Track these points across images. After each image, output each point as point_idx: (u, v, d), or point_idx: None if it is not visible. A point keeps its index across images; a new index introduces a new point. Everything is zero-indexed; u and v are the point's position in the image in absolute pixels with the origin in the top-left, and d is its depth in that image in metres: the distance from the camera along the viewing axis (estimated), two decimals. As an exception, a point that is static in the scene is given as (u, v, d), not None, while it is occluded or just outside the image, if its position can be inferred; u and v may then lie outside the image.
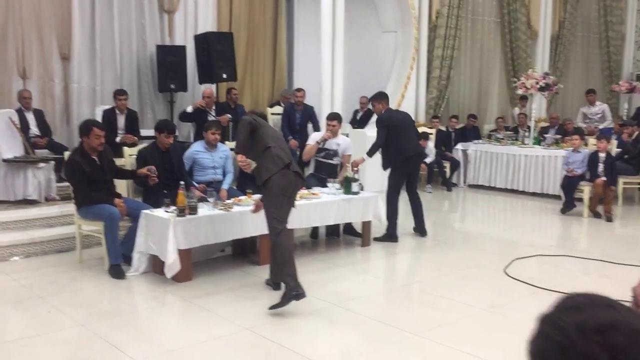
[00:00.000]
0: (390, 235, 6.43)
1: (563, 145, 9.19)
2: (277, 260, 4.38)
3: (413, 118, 9.96)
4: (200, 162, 6.18)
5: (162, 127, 5.79)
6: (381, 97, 6.62)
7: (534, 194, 9.41)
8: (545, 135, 9.87)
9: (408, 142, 6.47)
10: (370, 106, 7.43)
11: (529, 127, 10.11)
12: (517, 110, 11.74)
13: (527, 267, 5.57)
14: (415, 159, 6.62)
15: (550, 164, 9.18)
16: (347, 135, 9.03)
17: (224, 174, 6.29)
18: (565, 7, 12.83)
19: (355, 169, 6.32)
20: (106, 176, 5.34)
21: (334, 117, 6.70)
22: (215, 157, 6.23)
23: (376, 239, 6.39)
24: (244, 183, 6.28)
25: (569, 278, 5.31)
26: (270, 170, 4.34)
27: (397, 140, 6.36)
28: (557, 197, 8.64)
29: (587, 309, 0.87)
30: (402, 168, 6.46)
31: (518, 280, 5.08)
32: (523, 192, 9.57)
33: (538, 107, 11.04)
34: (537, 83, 9.49)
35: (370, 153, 6.47)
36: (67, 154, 5.50)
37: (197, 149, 6.24)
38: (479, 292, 4.84)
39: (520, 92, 10.06)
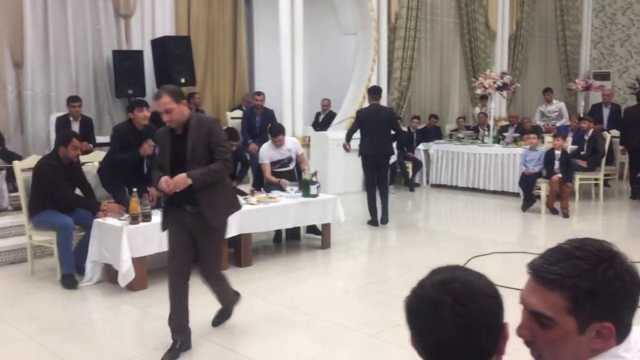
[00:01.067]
0: (370, 221, 7.34)
1: (521, 144, 9.32)
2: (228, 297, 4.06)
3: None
4: None
5: (134, 103, 5.93)
6: (370, 91, 7.66)
7: (494, 192, 9.53)
8: (505, 134, 10.01)
9: (374, 139, 7.09)
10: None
11: (488, 126, 10.24)
12: (477, 109, 11.88)
13: (485, 265, 5.62)
14: (377, 157, 7.17)
15: (509, 162, 9.31)
16: (307, 139, 9.06)
17: None
18: (522, 8, 13.05)
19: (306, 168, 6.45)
20: (73, 186, 5.25)
21: (278, 132, 6.57)
22: None
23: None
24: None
25: (525, 273, 5.36)
26: (231, 209, 3.92)
27: (365, 136, 7.16)
28: (517, 194, 8.76)
29: (441, 272, 1.24)
30: (365, 160, 7.26)
31: (475, 278, 5.12)
32: (484, 191, 9.69)
33: (497, 106, 11.19)
34: (494, 82, 9.62)
35: (346, 138, 7.40)
36: (16, 163, 5.37)
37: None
38: (437, 291, 4.86)
39: (479, 91, 10.20)
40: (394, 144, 7.72)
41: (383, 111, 7.40)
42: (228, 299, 4.05)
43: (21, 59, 8.11)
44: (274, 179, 6.46)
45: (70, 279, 4.91)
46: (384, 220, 7.33)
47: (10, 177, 6.68)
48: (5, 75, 8.03)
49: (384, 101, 10.77)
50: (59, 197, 5.07)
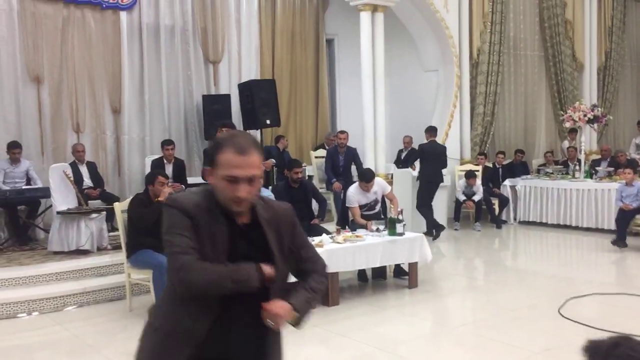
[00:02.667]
0: (436, 227, 8.60)
1: (616, 178, 8.91)
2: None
3: (458, 155, 10.10)
4: None
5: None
6: (427, 130, 9.06)
7: (587, 229, 9.11)
8: (597, 169, 9.60)
9: (430, 169, 8.78)
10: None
11: (579, 161, 9.85)
12: (566, 143, 11.49)
13: (583, 307, 5.35)
14: (433, 183, 8.85)
15: (603, 197, 8.90)
16: (390, 176, 9.06)
17: None
18: (611, 38, 12.62)
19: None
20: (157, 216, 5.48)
21: (370, 177, 6.58)
22: None
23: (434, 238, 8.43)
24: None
25: (628, 317, 5.07)
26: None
27: (424, 166, 8.85)
28: (613, 231, 8.32)
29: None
30: (428, 185, 8.74)
31: (574, 321, 4.88)
32: (576, 228, 9.27)
33: (588, 139, 10.78)
34: (584, 115, 9.29)
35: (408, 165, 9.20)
36: (116, 204, 5.68)
37: None
38: (532, 334, 4.67)
39: (567, 125, 9.87)
40: (479, 182, 9.03)
41: (436, 147, 8.94)
42: None
43: (119, 106, 8.64)
44: (363, 221, 6.46)
45: (165, 316, 5.06)
46: (432, 231, 8.55)
47: (109, 218, 7.08)
48: (104, 121, 8.58)
49: (466, 136, 10.67)
50: (134, 219, 5.33)
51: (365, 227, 6.30)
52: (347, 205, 6.65)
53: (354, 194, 6.60)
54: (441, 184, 9.07)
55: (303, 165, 6.98)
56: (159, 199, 5.32)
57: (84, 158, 7.84)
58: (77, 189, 6.96)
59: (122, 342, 4.82)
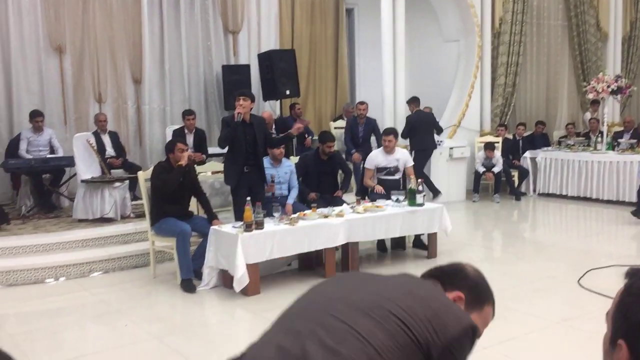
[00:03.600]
0: (433, 191, 8.89)
1: (638, 150, 8.80)
2: None
3: (478, 126, 10.05)
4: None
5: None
6: (410, 101, 9.26)
7: (608, 202, 9.05)
8: (620, 140, 9.49)
9: (419, 138, 8.88)
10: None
11: (601, 132, 9.74)
12: (588, 115, 11.34)
13: (603, 278, 5.35)
14: (425, 151, 8.98)
15: (625, 170, 8.81)
16: (409, 147, 9.04)
17: (289, 189, 6.39)
18: (637, 7, 12.33)
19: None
20: (184, 193, 5.57)
21: (390, 132, 6.78)
22: (280, 172, 6.35)
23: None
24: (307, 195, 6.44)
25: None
26: None
27: (413, 136, 8.90)
28: (634, 204, 8.27)
29: None
30: (417, 154, 8.71)
31: (593, 291, 4.90)
32: (597, 200, 9.22)
33: (611, 111, 10.64)
34: (608, 86, 9.16)
35: (402, 136, 8.70)
36: (140, 173, 5.76)
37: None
38: (552, 304, 4.71)
39: (590, 96, 9.74)
40: (498, 153, 9.04)
41: (425, 115, 9.15)
42: None
43: (140, 76, 8.69)
44: (371, 182, 6.60)
45: (188, 283, 5.19)
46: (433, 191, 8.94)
47: (132, 187, 7.19)
48: (126, 91, 8.65)
49: (487, 108, 10.58)
50: (158, 186, 5.37)
51: (374, 189, 6.46)
52: (365, 166, 6.72)
53: (374, 157, 6.73)
54: (460, 155, 9.23)
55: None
56: (180, 163, 5.39)
57: (106, 127, 7.93)
58: (101, 158, 7.06)
59: (147, 308, 4.95)
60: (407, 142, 8.94)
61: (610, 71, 10.92)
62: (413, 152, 8.79)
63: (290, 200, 6.28)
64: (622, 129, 10.42)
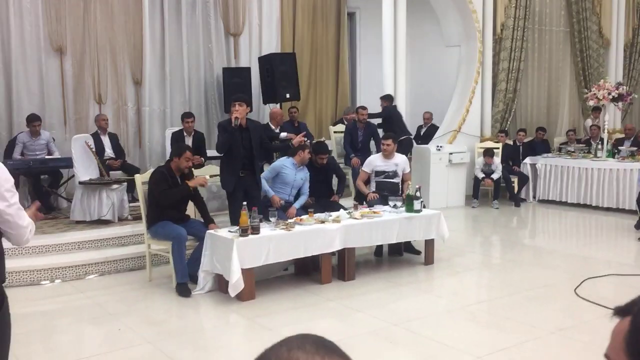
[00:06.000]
0: None
1: (639, 158, 8.78)
2: None
3: (478, 132, 10.04)
4: (283, 177, 6.32)
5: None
6: (385, 98, 9.08)
7: (608, 209, 9.03)
8: (620, 148, 9.46)
9: (402, 128, 8.92)
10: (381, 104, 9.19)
11: (602, 139, 9.72)
12: (589, 121, 11.32)
13: (600, 288, 5.34)
14: (407, 140, 8.98)
15: (625, 177, 8.79)
16: (410, 153, 9.03)
17: (298, 195, 6.42)
18: (639, 14, 12.31)
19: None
20: (186, 198, 5.56)
21: (389, 136, 6.81)
22: (297, 177, 6.36)
23: None
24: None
25: (645, 299, 5.04)
26: None
27: (391, 129, 8.57)
28: (634, 212, 8.24)
29: None
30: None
31: (590, 301, 4.88)
32: (596, 208, 9.20)
33: (612, 118, 10.62)
34: (609, 94, 9.14)
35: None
36: (137, 176, 5.75)
37: (285, 163, 6.36)
38: (547, 313, 4.68)
39: (591, 103, 9.72)
40: (498, 160, 8.90)
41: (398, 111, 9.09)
42: None
43: (140, 78, 8.69)
44: (364, 188, 6.68)
45: (184, 287, 5.17)
46: None
47: (130, 189, 7.18)
48: (126, 93, 8.65)
49: (487, 113, 10.57)
50: (157, 197, 5.34)
51: (366, 197, 6.56)
52: (362, 168, 6.84)
53: (374, 159, 6.80)
54: (459, 161, 9.24)
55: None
56: (188, 183, 5.37)
57: (107, 129, 7.92)
58: (99, 160, 7.05)
59: (142, 311, 4.94)
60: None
61: (612, 78, 10.90)
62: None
63: (297, 205, 6.29)
64: (622, 136, 10.40)
